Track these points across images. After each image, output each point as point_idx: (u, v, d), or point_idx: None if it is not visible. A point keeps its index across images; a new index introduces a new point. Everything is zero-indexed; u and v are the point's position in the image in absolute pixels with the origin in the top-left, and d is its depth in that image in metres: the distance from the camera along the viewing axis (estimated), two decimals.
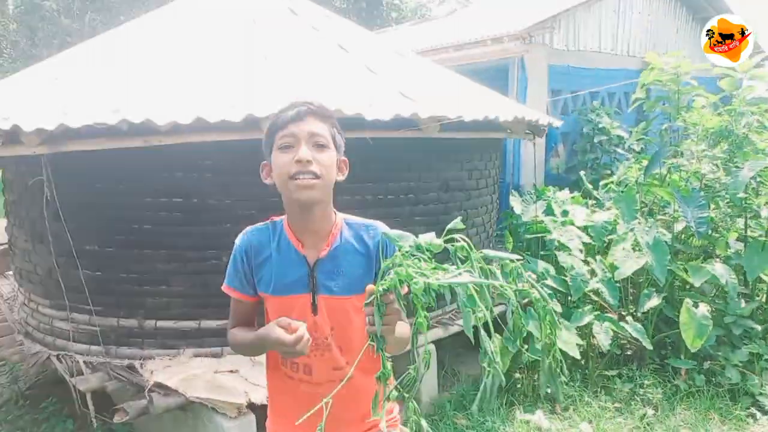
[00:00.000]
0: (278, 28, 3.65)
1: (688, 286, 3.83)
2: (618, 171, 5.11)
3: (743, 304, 3.68)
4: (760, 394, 3.34)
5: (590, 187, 5.15)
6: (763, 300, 3.94)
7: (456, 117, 2.82)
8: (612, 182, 5.02)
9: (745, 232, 3.89)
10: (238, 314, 1.47)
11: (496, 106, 3.64)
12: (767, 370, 3.50)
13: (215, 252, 2.91)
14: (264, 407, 2.55)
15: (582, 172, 5.46)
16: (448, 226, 1.12)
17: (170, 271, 2.97)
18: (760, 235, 3.82)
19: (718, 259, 3.90)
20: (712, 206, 3.97)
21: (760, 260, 3.61)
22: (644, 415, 3.27)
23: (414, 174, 3.46)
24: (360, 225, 1.41)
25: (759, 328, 3.64)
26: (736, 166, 3.78)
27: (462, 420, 3.29)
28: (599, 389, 3.58)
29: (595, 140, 5.90)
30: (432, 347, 2.60)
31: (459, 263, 1.12)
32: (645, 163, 4.31)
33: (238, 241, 1.42)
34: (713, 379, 3.54)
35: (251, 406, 2.61)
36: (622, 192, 4.34)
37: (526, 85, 5.96)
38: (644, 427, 3.18)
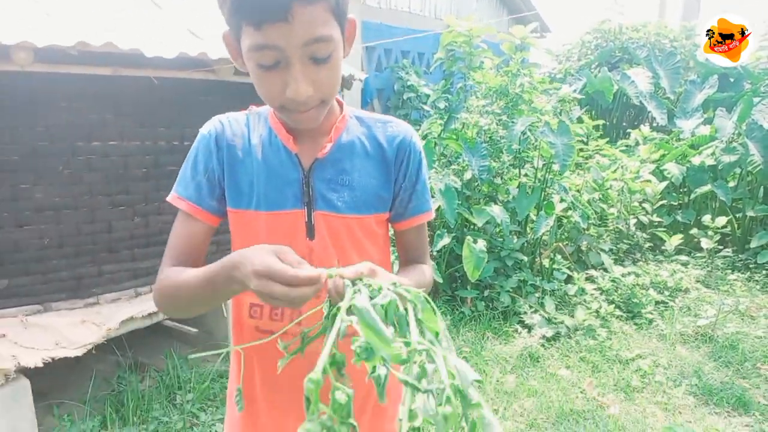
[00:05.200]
0: None
1: (474, 227, 4.34)
2: (423, 126, 5.52)
3: (515, 240, 4.30)
4: (524, 313, 3.97)
5: None
6: (531, 236, 4.64)
7: None
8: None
9: (521, 179, 4.51)
10: (183, 244, 0.98)
11: None
12: (531, 294, 4.16)
13: None
14: (39, 371, 2.36)
15: None
16: None
17: None
18: (534, 182, 4.46)
19: (499, 203, 4.47)
20: (498, 157, 4.51)
21: (528, 202, 4.24)
22: None
23: None
24: (375, 120, 1.05)
25: (526, 258, 4.30)
26: (513, 122, 4.32)
27: None
28: None
29: (405, 97, 6.26)
30: None
31: None
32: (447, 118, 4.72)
33: (204, 129, 1.03)
34: (491, 304, 4.12)
35: (24, 371, 2.37)
36: (424, 145, 4.70)
37: None
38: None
